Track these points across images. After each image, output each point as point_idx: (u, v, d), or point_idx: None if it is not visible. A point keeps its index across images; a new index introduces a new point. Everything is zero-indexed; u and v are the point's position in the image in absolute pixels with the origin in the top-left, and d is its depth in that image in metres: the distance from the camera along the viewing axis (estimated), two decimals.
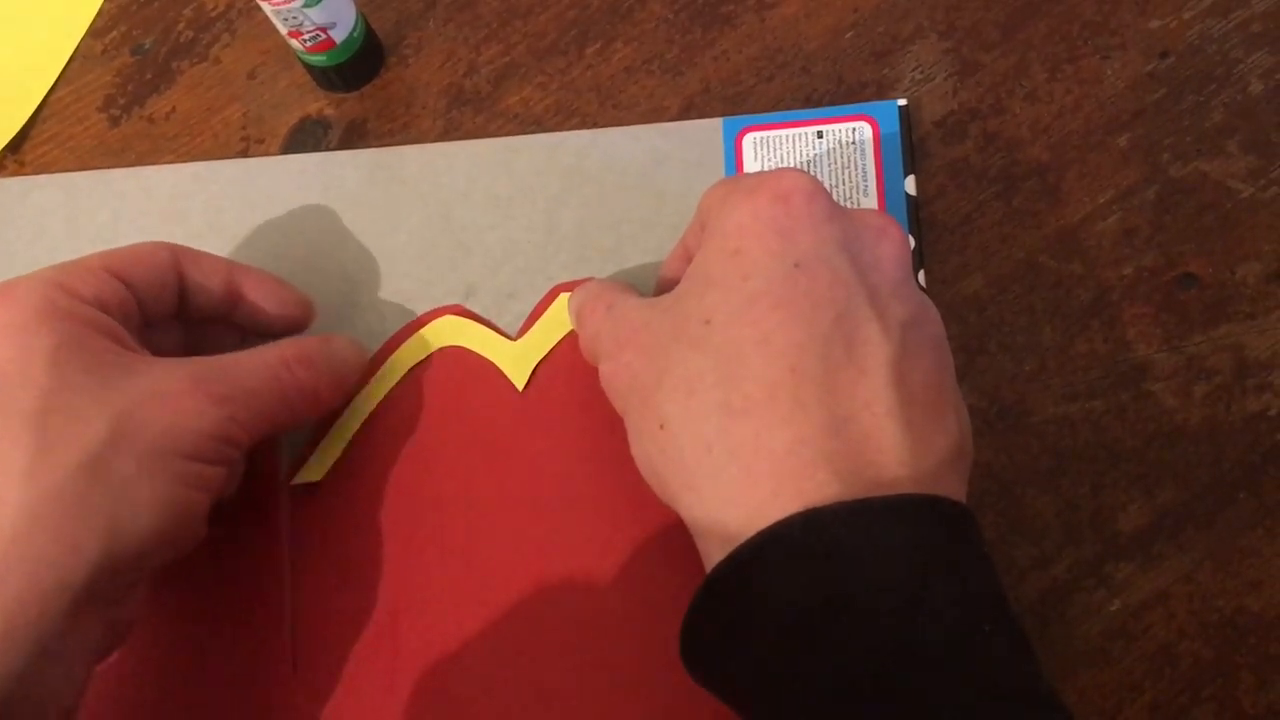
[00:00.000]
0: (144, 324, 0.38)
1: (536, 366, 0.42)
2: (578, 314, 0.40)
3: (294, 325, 0.41)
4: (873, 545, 0.29)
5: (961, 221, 0.43)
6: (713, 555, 0.31)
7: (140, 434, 0.33)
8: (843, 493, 0.30)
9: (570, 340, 0.42)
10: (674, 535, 0.39)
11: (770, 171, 0.34)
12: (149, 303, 0.37)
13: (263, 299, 0.40)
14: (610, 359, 0.36)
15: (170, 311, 0.39)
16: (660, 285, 0.40)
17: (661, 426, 0.33)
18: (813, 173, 0.43)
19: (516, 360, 0.42)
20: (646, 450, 0.34)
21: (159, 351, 0.37)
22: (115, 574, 0.32)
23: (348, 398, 0.42)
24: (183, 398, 0.34)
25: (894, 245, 0.34)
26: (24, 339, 0.33)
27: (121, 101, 0.50)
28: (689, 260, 0.36)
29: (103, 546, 0.31)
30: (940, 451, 0.31)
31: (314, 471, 0.41)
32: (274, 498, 0.41)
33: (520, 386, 0.41)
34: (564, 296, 0.42)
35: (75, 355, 0.33)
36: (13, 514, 0.31)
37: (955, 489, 0.31)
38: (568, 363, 0.41)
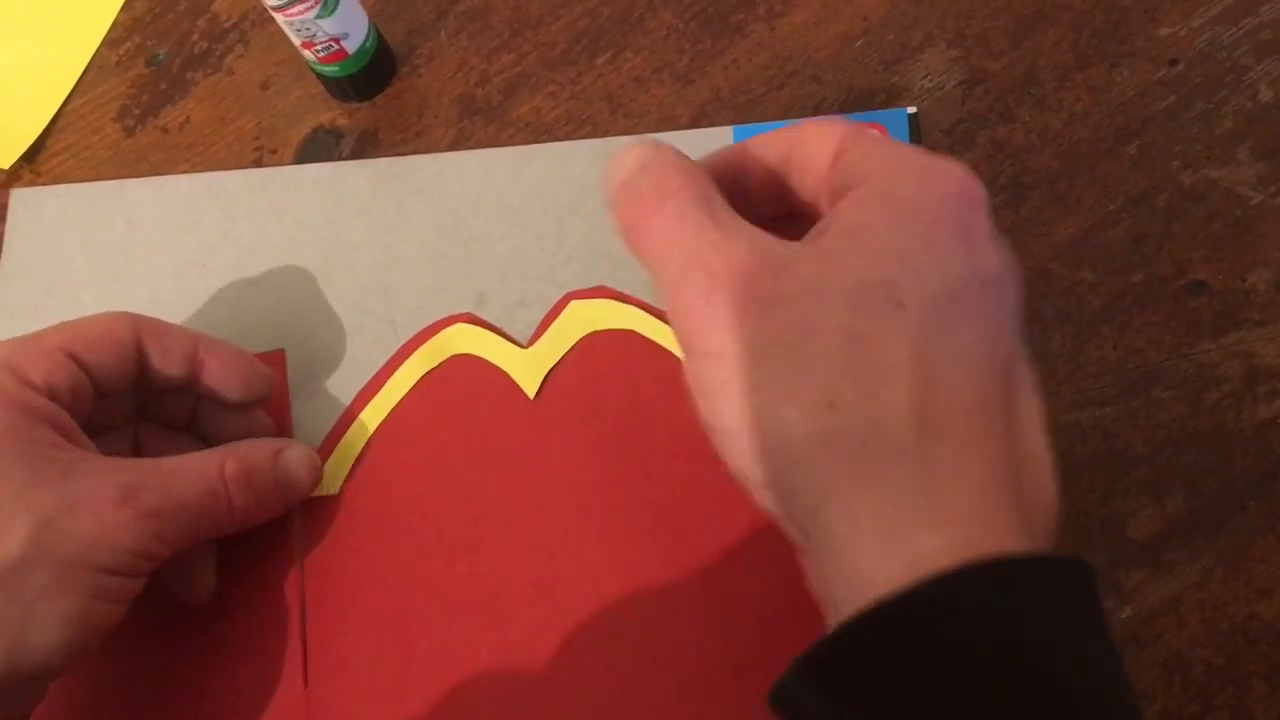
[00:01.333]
0: (97, 397, 0.37)
1: (548, 374, 0.42)
2: (636, 189, 0.31)
3: (253, 399, 0.40)
4: (1056, 607, 0.26)
5: None
6: (862, 577, 0.27)
7: (60, 545, 0.32)
8: (1026, 544, 0.26)
9: (582, 348, 0.42)
10: (686, 543, 0.39)
11: (950, 160, 0.30)
12: (104, 382, 0.37)
13: (225, 374, 0.39)
14: (725, 288, 0.29)
15: (126, 386, 0.38)
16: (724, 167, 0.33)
17: (831, 405, 0.27)
18: None
19: (528, 368, 0.42)
20: (785, 422, 0.28)
21: (108, 419, 0.37)
22: (16, 683, 0.32)
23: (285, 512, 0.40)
24: (110, 509, 0.33)
25: (1019, 292, 0.31)
26: None
27: (136, 112, 0.51)
28: (780, 176, 0.31)
29: (6, 659, 0.31)
30: (1063, 503, 0.29)
31: (328, 485, 0.41)
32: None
33: (532, 394, 0.42)
34: (575, 304, 0.42)
35: (10, 447, 0.32)
36: None
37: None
38: (579, 370, 0.42)
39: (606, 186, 0.32)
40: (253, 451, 0.38)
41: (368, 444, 0.42)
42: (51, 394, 0.35)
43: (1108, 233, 0.42)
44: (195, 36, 0.52)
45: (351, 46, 0.46)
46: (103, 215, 0.48)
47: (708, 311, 0.29)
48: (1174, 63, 0.44)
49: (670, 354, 0.41)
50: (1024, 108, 0.45)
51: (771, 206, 0.33)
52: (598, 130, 0.47)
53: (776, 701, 0.28)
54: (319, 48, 0.46)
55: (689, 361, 0.30)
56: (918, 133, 0.44)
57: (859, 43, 0.47)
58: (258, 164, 0.49)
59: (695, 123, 0.46)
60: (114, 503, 0.33)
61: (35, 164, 0.50)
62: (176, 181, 0.48)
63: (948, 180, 0.29)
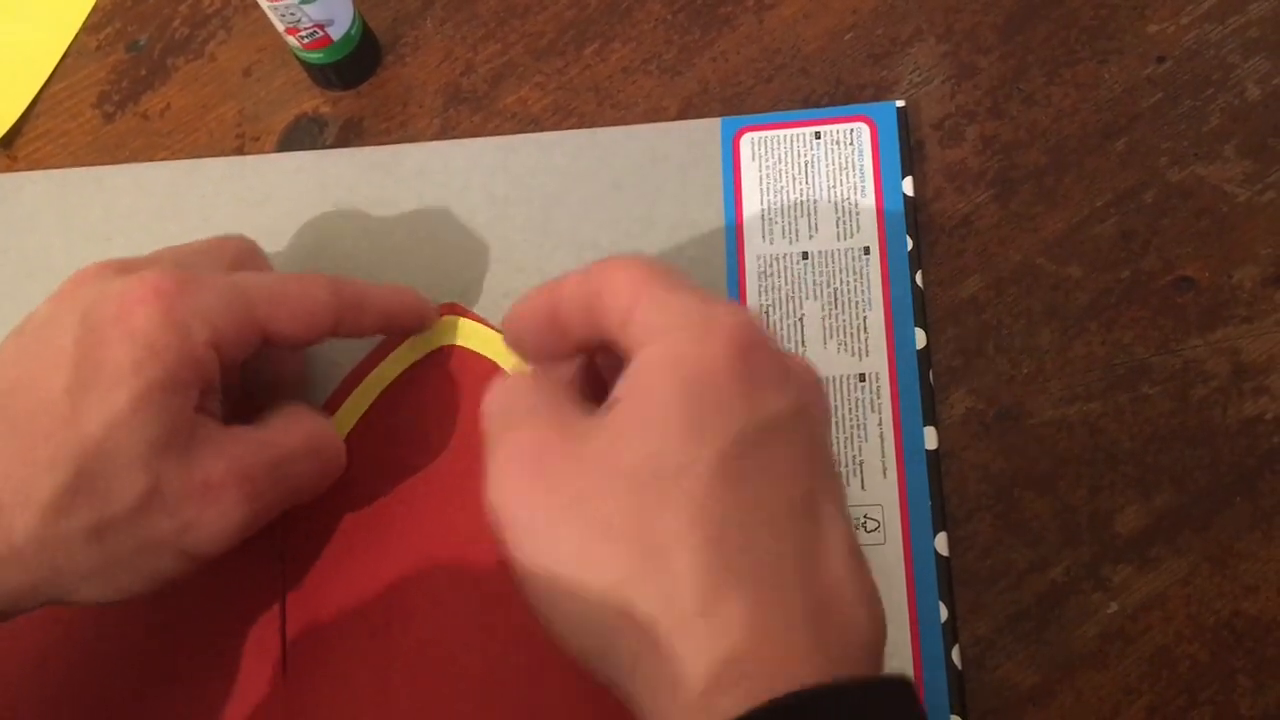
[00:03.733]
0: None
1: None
2: (529, 325, 0.34)
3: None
4: None
5: (959, 224, 0.43)
6: None
7: (159, 522, 0.33)
8: (833, 670, 0.27)
9: None
10: None
11: (726, 305, 0.31)
12: (279, 343, 0.36)
13: (403, 331, 0.41)
14: (519, 457, 0.31)
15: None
16: (516, 328, 0.35)
17: (624, 580, 0.28)
18: (810, 174, 0.43)
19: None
20: (587, 596, 0.29)
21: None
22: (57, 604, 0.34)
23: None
24: (218, 494, 0.33)
25: (825, 412, 0.32)
26: (142, 358, 0.32)
27: (116, 98, 0.50)
28: (558, 328, 0.33)
29: (61, 597, 0.33)
30: (880, 624, 0.30)
31: None
32: None
33: None
34: None
35: (158, 400, 0.32)
36: (19, 541, 0.31)
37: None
38: None
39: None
40: (327, 426, 0.38)
41: (350, 435, 0.41)
42: (225, 361, 0.34)
43: (1095, 229, 0.42)
44: (177, 22, 0.51)
45: (336, 33, 0.46)
46: (81, 202, 0.47)
47: (506, 484, 0.31)
48: (1162, 60, 0.44)
49: None
50: (1012, 103, 0.45)
51: (591, 340, 0.33)
52: (585, 121, 0.46)
53: None
54: (303, 34, 0.45)
55: (495, 523, 0.31)
56: (906, 126, 0.44)
57: (848, 36, 0.47)
58: (240, 152, 0.48)
59: (683, 114, 0.46)
60: (223, 488, 0.33)
61: (12, 149, 0.50)
62: (156, 169, 0.47)
63: (721, 332, 0.30)
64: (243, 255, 0.39)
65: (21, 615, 0.33)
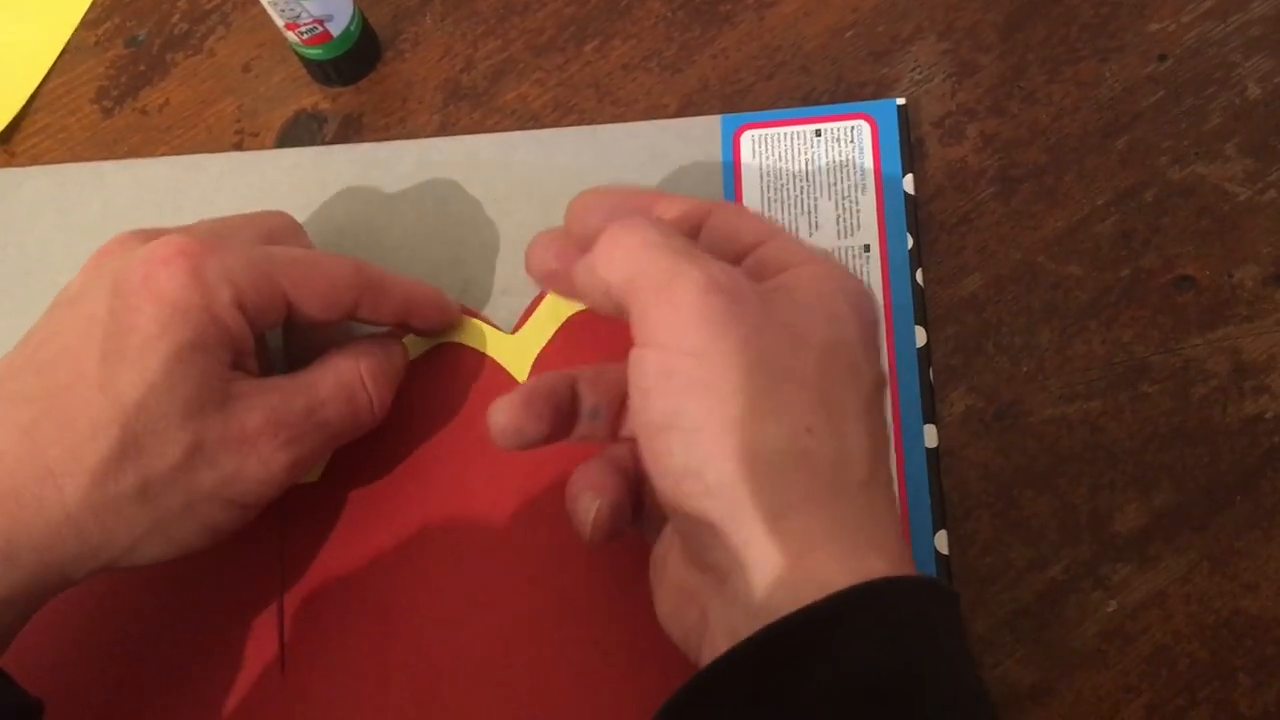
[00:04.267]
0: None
1: (536, 358, 0.41)
2: (618, 242, 0.33)
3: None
4: (938, 623, 0.30)
5: (960, 222, 0.43)
6: (816, 580, 0.29)
7: (203, 475, 0.34)
8: (905, 569, 0.30)
9: (567, 329, 0.42)
10: None
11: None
12: (296, 321, 0.37)
13: (426, 327, 0.41)
14: (722, 293, 0.31)
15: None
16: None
17: (809, 430, 0.30)
18: (810, 171, 0.43)
19: (516, 354, 0.42)
20: (766, 435, 0.30)
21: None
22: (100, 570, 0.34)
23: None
24: (256, 443, 0.34)
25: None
26: (170, 320, 0.33)
27: (114, 93, 0.50)
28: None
29: (110, 562, 0.34)
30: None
31: (310, 472, 0.41)
32: None
33: (522, 380, 0.41)
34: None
35: (191, 361, 0.33)
36: (73, 508, 0.32)
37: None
38: (567, 352, 0.41)
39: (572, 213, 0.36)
40: (378, 346, 0.39)
41: None
42: (252, 323, 0.35)
43: (1096, 227, 0.42)
44: (176, 17, 0.51)
45: (336, 29, 0.46)
46: (79, 198, 0.47)
47: (701, 310, 0.30)
48: (1163, 58, 0.44)
49: None
50: (1013, 101, 0.44)
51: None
52: (585, 118, 0.46)
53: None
54: (303, 30, 0.45)
55: (653, 354, 0.31)
56: (907, 124, 0.44)
57: (849, 34, 0.46)
58: (238, 147, 0.48)
59: (683, 111, 0.46)
60: (262, 436, 0.34)
61: (10, 145, 0.50)
62: (155, 165, 0.47)
63: (859, 287, 0.34)
64: (281, 231, 0.39)
65: (80, 583, 0.34)
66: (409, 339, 0.42)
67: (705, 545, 0.30)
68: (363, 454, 0.41)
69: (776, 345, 0.31)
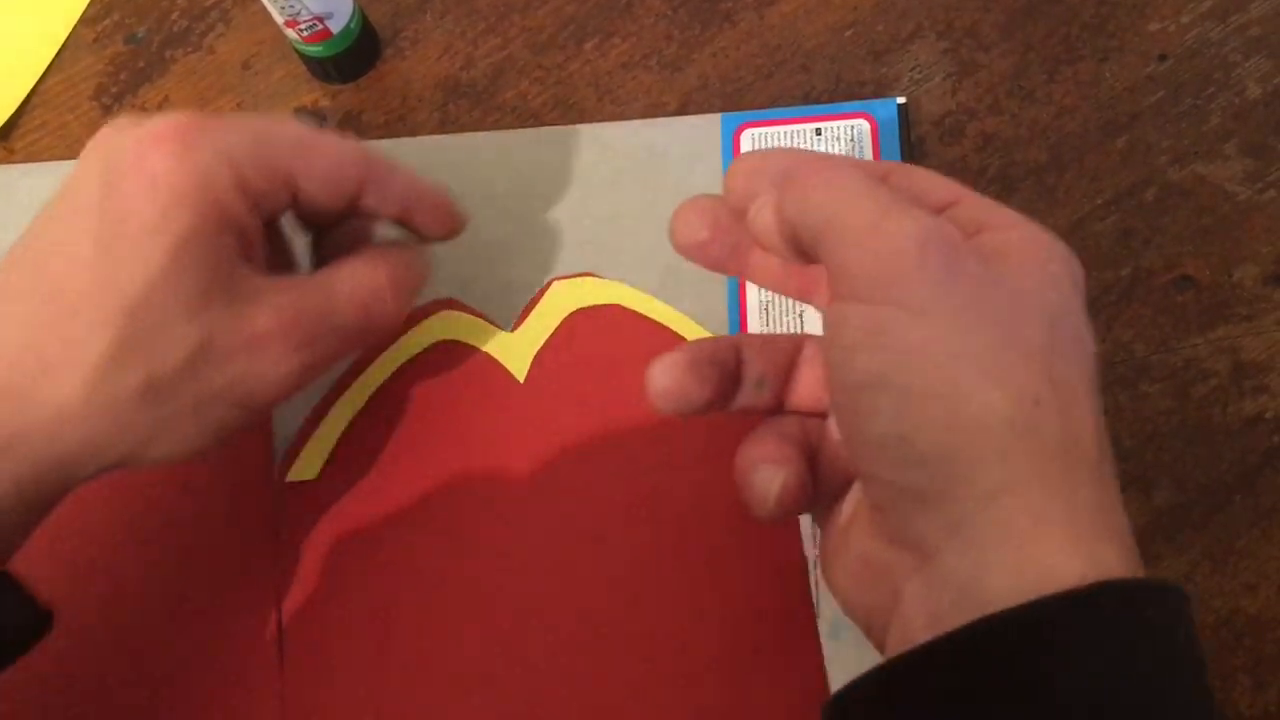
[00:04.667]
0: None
1: (535, 356, 0.41)
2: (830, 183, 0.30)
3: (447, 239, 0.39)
4: (1181, 644, 0.26)
5: None
6: (1040, 569, 0.26)
7: (211, 374, 0.32)
8: (1133, 569, 0.27)
9: (567, 326, 0.42)
10: (678, 527, 0.39)
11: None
12: (302, 209, 0.36)
13: (430, 225, 0.38)
14: (941, 244, 0.28)
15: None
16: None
17: (1037, 403, 0.27)
18: None
19: (515, 351, 0.41)
20: (989, 403, 0.27)
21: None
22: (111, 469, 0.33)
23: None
24: (265, 344, 0.33)
25: None
26: (168, 205, 0.31)
27: (114, 90, 0.50)
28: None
29: (119, 461, 0.32)
30: None
31: (307, 469, 0.41)
32: (263, 492, 0.40)
33: (521, 378, 0.41)
34: (558, 284, 0.42)
35: (195, 257, 0.32)
36: (71, 401, 0.31)
37: None
38: (567, 349, 0.41)
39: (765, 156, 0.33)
40: (400, 253, 0.37)
41: (348, 429, 0.41)
42: (257, 211, 0.34)
43: (1096, 226, 0.42)
44: (175, 14, 0.51)
45: (336, 26, 0.46)
46: None
47: (920, 262, 0.27)
48: (1163, 58, 0.44)
49: (659, 324, 0.41)
50: (1013, 101, 0.44)
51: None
52: (584, 116, 0.46)
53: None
54: (303, 27, 0.45)
55: (859, 308, 0.28)
56: (907, 123, 0.44)
57: (848, 33, 0.46)
58: None
59: (683, 110, 0.46)
60: (272, 337, 0.33)
61: (9, 141, 0.50)
62: None
63: (1070, 253, 0.30)
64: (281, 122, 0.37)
65: (92, 480, 0.33)
66: (408, 336, 0.42)
67: (909, 519, 0.28)
68: (359, 451, 0.41)
69: (998, 308, 0.28)
